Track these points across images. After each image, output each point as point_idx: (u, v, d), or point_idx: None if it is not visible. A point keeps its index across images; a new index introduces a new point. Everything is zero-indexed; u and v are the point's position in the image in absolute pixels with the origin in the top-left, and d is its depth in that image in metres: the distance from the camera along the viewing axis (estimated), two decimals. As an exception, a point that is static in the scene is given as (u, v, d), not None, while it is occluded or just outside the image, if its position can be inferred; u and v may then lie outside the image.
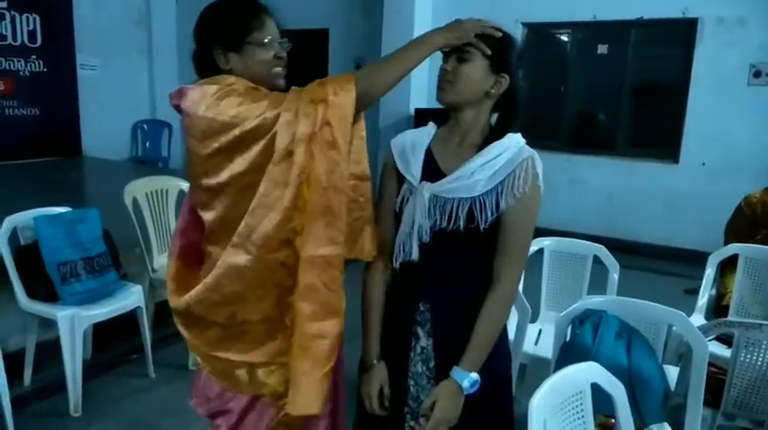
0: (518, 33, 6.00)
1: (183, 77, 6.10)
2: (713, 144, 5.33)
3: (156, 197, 3.24)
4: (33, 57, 6.48)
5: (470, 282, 1.35)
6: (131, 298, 2.73)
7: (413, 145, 1.41)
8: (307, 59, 7.45)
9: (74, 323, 2.49)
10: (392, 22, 6.09)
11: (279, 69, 1.40)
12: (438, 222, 1.31)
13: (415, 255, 1.34)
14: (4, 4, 6.17)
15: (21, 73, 6.41)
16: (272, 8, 1.42)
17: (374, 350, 1.41)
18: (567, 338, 1.89)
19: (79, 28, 6.78)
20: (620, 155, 5.82)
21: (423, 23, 6.02)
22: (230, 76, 1.33)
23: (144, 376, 2.87)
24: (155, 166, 7.13)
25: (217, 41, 1.35)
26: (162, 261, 3.08)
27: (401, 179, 1.39)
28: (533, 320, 2.60)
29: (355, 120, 1.26)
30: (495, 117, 1.39)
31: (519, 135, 1.35)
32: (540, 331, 2.60)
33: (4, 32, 6.21)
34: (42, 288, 2.57)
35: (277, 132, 1.21)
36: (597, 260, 2.61)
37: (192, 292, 1.34)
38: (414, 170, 1.37)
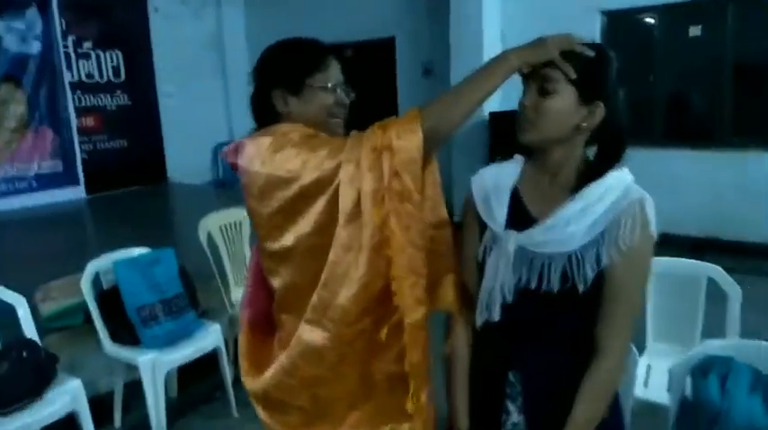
0: (596, 23, 5.58)
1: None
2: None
3: (229, 230, 3.24)
4: (118, 91, 6.85)
5: (567, 351, 1.15)
6: (210, 338, 2.71)
7: (496, 186, 1.21)
8: (374, 70, 7.40)
9: (155, 368, 2.49)
10: (459, 25, 5.84)
11: (339, 118, 1.28)
12: (525, 280, 1.12)
13: (495, 316, 1.15)
14: (90, 44, 6.53)
15: (108, 108, 6.79)
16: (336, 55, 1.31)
17: (462, 415, 1.25)
18: (688, 392, 1.61)
19: (158, 58, 7.08)
20: (723, 146, 5.25)
21: (491, 25, 5.74)
22: (285, 125, 1.22)
23: (227, 416, 2.84)
24: (234, 188, 7.30)
25: (276, 82, 1.25)
26: (239, 294, 3.05)
27: (483, 225, 1.20)
28: (639, 355, 2.31)
29: (425, 163, 1.10)
30: (593, 149, 1.16)
31: (625, 171, 1.12)
32: (648, 368, 2.29)
33: (91, 71, 6.59)
34: (125, 331, 2.59)
35: (340, 187, 1.07)
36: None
37: (268, 375, 1.23)
38: (497, 216, 1.18)
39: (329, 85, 1.25)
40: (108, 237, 5.29)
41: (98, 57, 6.62)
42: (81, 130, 6.53)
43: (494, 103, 5.79)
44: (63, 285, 2.86)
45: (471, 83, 1.11)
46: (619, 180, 1.10)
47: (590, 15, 5.53)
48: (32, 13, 5.99)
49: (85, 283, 2.56)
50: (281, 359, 1.20)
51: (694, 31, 5.39)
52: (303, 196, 1.10)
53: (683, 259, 2.36)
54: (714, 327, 2.25)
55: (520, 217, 1.17)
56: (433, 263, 1.15)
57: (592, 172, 1.12)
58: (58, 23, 6.22)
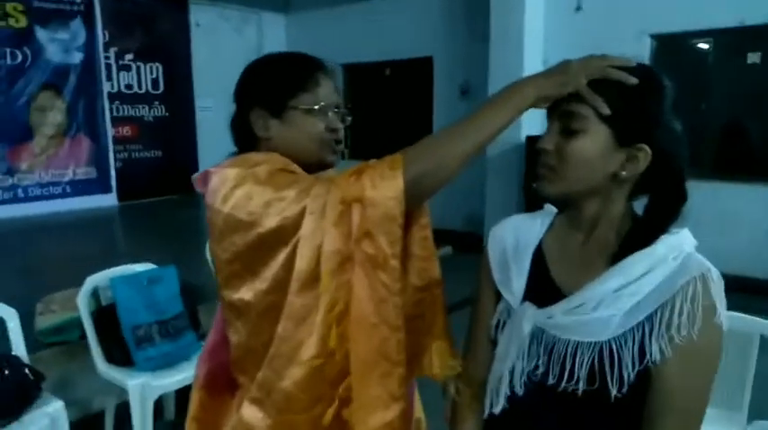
0: (646, 48, 5.29)
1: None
2: None
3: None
4: (156, 102, 6.93)
5: None
6: (206, 363, 2.55)
7: (516, 246, 0.97)
8: (411, 89, 7.27)
9: (144, 393, 2.34)
10: (500, 44, 5.64)
11: (332, 145, 1.08)
12: (542, 371, 0.89)
13: (497, 407, 0.92)
14: (131, 56, 6.64)
15: (145, 118, 6.87)
16: (332, 69, 1.11)
17: None
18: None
19: (196, 72, 7.15)
20: (781, 180, 4.85)
21: (533, 45, 5.52)
22: (257, 154, 1.03)
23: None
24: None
25: (255, 102, 1.06)
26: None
27: (499, 293, 0.97)
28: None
29: (412, 218, 0.89)
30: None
31: (684, 234, 0.86)
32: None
33: (130, 82, 6.69)
34: (120, 351, 2.47)
35: (299, 242, 0.87)
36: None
37: None
38: (515, 285, 0.94)
39: (316, 107, 1.05)
40: (131, 247, 5.28)
41: (138, 68, 6.73)
42: (117, 139, 6.63)
43: (532, 127, 5.55)
44: (64, 298, 2.77)
45: (473, 120, 0.90)
46: (674, 248, 0.84)
47: (639, 39, 5.25)
48: (77, 24, 6.14)
49: (82, 299, 2.45)
50: None
51: (753, 58, 5.04)
52: (262, 245, 0.91)
53: (733, 313, 2.06)
54: (765, 391, 1.96)
55: (542, 286, 0.92)
56: (418, 330, 0.95)
57: (639, 234, 0.87)
58: (101, 35, 6.35)
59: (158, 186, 6.83)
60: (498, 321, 0.95)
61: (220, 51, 7.32)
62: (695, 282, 0.81)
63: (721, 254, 5.36)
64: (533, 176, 0.91)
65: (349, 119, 1.13)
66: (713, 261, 0.85)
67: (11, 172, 5.94)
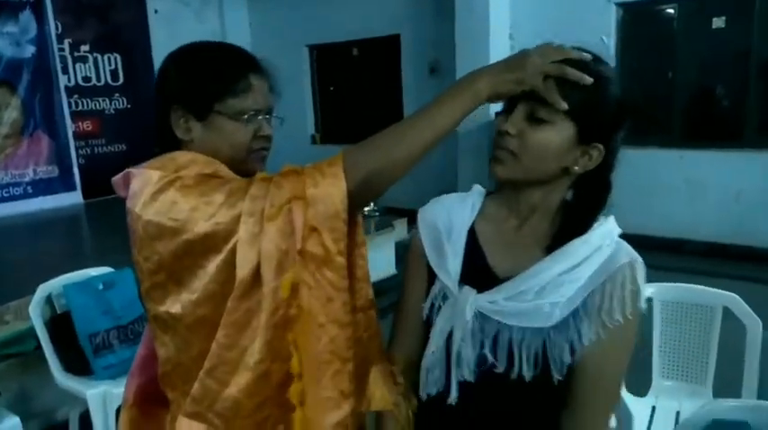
0: (612, 16, 5.24)
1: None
2: None
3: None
4: (117, 95, 6.72)
5: None
6: (170, 366, 2.48)
7: (450, 226, 0.97)
8: (379, 69, 7.14)
9: (105, 402, 2.27)
10: (465, 21, 5.55)
11: (260, 153, 1.02)
12: (491, 359, 0.90)
13: (453, 397, 0.91)
14: (87, 47, 6.41)
15: (106, 111, 6.66)
16: (267, 65, 1.03)
17: None
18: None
19: (158, 61, 6.92)
20: (749, 146, 4.87)
21: (499, 20, 5.44)
22: (183, 153, 0.96)
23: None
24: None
25: (176, 99, 0.98)
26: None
27: (432, 275, 0.96)
28: (643, 394, 2.02)
29: (351, 222, 0.85)
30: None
31: (611, 223, 0.91)
32: (653, 410, 2.00)
33: (88, 74, 6.47)
34: (78, 360, 2.40)
35: (237, 247, 0.83)
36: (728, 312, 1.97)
37: None
38: (450, 266, 0.93)
39: (245, 116, 0.98)
40: (96, 246, 5.15)
41: (96, 60, 6.48)
42: (78, 135, 6.40)
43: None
44: (18, 307, 2.67)
45: (421, 117, 0.86)
46: (606, 235, 0.89)
47: (606, 8, 5.20)
48: (26, 16, 5.87)
49: (34, 308, 2.35)
50: None
51: (718, 22, 5.02)
52: (189, 254, 0.86)
53: (695, 286, 2.06)
54: (730, 364, 1.96)
55: (478, 270, 0.93)
56: (357, 355, 0.90)
57: (572, 223, 0.90)
58: (53, 27, 6.09)
59: (125, 181, 6.66)
60: (433, 304, 0.95)
61: (181, 38, 6.95)
62: (624, 269, 0.86)
63: (690, 220, 5.47)
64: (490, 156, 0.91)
65: (281, 120, 1.07)
66: (683, 228, 0.87)
67: (-34, 175, 5.73)
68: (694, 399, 1.90)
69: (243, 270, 0.82)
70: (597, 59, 0.86)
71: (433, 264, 0.96)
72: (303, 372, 0.87)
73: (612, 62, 0.94)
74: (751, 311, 1.91)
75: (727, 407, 1.32)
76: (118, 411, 2.36)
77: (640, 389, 2.02)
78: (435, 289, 0.96)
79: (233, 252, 0.83)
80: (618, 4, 5.27)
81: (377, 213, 4.38)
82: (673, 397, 2.00)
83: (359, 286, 0.90)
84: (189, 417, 0.90)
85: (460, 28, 5.58)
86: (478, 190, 1.01)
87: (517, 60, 0.84)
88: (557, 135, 0.85)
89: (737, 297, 1.95)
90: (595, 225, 0.90)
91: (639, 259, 0.88)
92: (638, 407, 1.94)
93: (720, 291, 2.01)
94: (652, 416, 1.97)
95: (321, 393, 0.86)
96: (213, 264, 0.84)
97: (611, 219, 0.91)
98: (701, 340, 2.02)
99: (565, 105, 0.82)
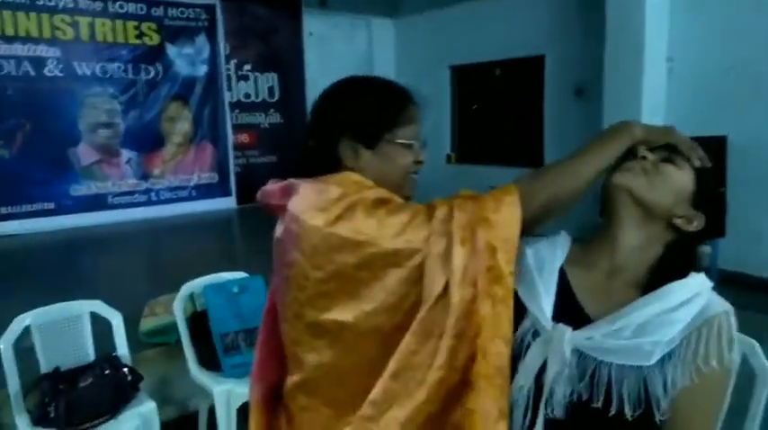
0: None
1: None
2: None
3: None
4: (272, 110, 7.33)
5: None
6: (288, 373, 2.61)
7: (541, 263, 0.99)
8: (519, 90, 6.96)
9: (229, 399, 2.44)
10: (617, 41, 5.18)
11: (415, 176, 1.11)
12: (587, 395, 0.90)
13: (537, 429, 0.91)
14: (249, 67, 7.08)
15: (261, 125, 7.29)
16: (421, 98, 1.12)
17: None
18: None
19: (309, 79, 7.44)
20: None
21: (656, 43, 4.97)
22: (353, 174, 1.03)
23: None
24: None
25: (347, 130, 1.05)
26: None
27: (519, 311, 0.95)
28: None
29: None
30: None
31: (703, 276, 0.94)
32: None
33: (249, 91, 7.13)
34: (210, 357, 2.60)
35: (427, 263, 0.91)
36: None
37: None
38: (544, 304, 0.94)
39: (413, 142, 1.08)
40: (245, 250, 5.61)
41: (256, 78, 7.16)
42: (236, 146, 7.10)
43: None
44: (167, 301, 2.98)
45: (582, 155, 0.96)
46: (701, 284, 0.92)
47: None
48: (201, 39, 6.66)
49: (178, 304, 2.61)
50: None
51: None
52: (371, 266, 0.92)
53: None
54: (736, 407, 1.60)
55: (568, 308, 0.96)
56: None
57: (668, 270, 0.94)
58: (222, 48, 6.83)
59: (268, 190, 7.22)
60: (522, 340, 0.96)
61: (331, 59, 7.55)
62: (721, 316, 0.89)
63: None
64: (615, 165, 0.96)
65: (427, 147, 1.15)
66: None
67: (145, 177, 6.61)
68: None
69: (437, 284, 0.90)
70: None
71: (524, 299, 0.97)
72: (473, 380, 0.90)
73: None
74: (765, 363, 1.55)
75: None
76: (239, 409, 2.55)
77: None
78: (526, 324, 0.97)
79: (415, 268, 0.91)
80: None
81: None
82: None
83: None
84: (367, 421, 0.93)
85: (611, 49, 5.23)
86: (565, 235, 1.06)
87: (666, 128, 0.98)
88: (683, 176, 0.94)
89: (754, 341, 1.60)
90: (692, 273, 0.93)
91: (732, 311, 0.91)
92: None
93: (739, 334, 1.62)
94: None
95: (486, 407, 0.90)
96: (393, 278, 0.92)
97: (702, 275, 0.94)
98: None
99: (698, 162, 0.93)
